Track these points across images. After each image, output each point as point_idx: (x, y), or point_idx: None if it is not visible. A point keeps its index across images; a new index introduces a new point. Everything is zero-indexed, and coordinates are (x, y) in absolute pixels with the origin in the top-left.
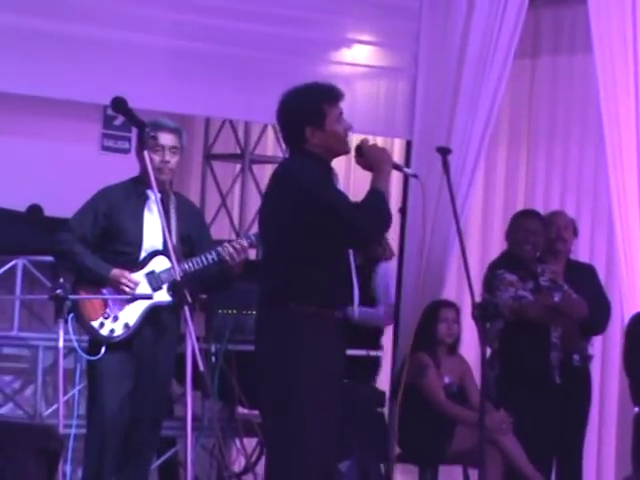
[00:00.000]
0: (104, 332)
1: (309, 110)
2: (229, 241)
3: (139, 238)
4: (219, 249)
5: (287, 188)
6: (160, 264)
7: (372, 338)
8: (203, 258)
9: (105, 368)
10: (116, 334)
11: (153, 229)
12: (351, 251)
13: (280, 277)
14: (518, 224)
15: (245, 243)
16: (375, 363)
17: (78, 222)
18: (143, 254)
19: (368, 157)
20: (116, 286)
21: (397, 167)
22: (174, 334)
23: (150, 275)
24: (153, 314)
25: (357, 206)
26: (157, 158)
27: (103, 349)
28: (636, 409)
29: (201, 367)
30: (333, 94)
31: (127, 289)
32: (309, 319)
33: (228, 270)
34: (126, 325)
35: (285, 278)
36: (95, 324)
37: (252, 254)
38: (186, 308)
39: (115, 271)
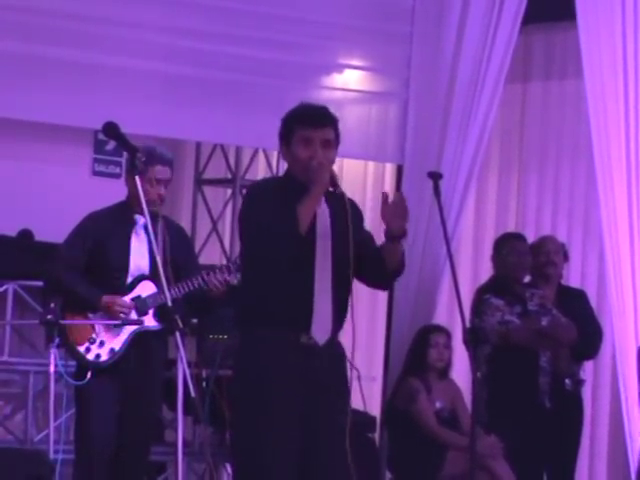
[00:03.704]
0: (90, 357)
1: (281, 127)
2: (213, 270)
3: (125, 263)
4: (204, 278)
5: None
6: (146, 289)
7: None
8: (189, 283)
9: (92, 393)
10: (102, 359)
11: (140, 254)
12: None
13: (241, 299)
14: (502, 245)
15: (227, 275)
16: None
17: (68, 249)
18: (129, 279)
19: (310, 175)
20: (109, 312)
21: (334, 185)
22: (160, 359)
23: (136, 300)
24: (139, 339)
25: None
26: (152, 191)
27: (89, 374)
28: None
29: (192, 393)
30: (304, 116)
31: (122, 315)
32: (266, 342)
33: (211, 296)
34: (112, 350)
35: (243, 300)
36: (81, 349)
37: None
38: (177, 333)
39: (106, 298)
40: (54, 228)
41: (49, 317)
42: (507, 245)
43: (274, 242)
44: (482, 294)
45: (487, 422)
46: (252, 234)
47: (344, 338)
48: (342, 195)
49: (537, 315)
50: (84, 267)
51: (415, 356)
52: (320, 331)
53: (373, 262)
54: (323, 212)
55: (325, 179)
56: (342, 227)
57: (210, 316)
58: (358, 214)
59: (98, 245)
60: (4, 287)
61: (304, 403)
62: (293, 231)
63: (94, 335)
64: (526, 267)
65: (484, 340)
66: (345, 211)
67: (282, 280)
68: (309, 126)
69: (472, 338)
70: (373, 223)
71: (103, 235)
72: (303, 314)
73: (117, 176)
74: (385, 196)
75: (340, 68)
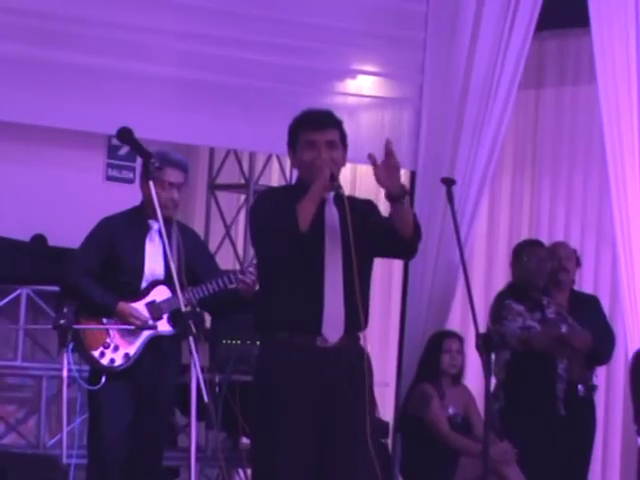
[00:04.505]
0: (104, 362)
1: (288, 136)
2: (241, 271)
3: (140, 268)
4: (231, 277)
5: None
6: (160, 294)
7: None
8: (204, 287)
9: (106, 398)
10: (116, 364)
11: (154, 259)
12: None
13: (257, 305)
14: (521, 252)
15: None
16: None
17: (83, 254)
18: (144, 284)
19: (312, 174)
20: (123, 321)
21: (333, 182)
22: (175, 364)
23: (151, 305)
24: (154, 344)
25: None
26: (164, 194)
27: (103, 379)
28: None
29: (205, 398)
30: (307, 120)
31: (135, 325)
32: (282, 347)
33: (239, 295)
34: (126, 355)
35: (259, 306)
36: (95, 353)
37: None
38: (191, 339)
39: (122, 306)
40: (67, 233)
41: (62, 322)
42: (526, 251)
43: (278, 242)
44: (502, 299)
45: (500, 428)
46: (259, 237)
47: None
48: (341, 193)
49: (556, 322)
50: (99, 272)
51: (428, 362)
52: (331, 330)
53: (387, 234)
54: (332, 213)
55: (324, 175)
56: (348, 226)
57: (225, 320)
58: (367, 207)
59: (112, 250)
60: (17, 292)
61: (322, 407)
62: (293, 229)
63: (108, 340)
64: (545, 273)
65: (503, 346)
66: (344, 208)
67: (291, 282)
68: (312, 129)
69: (485, 344)
70: None
71: (117, 240)
72: (314, 315)
73: (130, 181)
74: (373, 159)
75: (353, 74)
